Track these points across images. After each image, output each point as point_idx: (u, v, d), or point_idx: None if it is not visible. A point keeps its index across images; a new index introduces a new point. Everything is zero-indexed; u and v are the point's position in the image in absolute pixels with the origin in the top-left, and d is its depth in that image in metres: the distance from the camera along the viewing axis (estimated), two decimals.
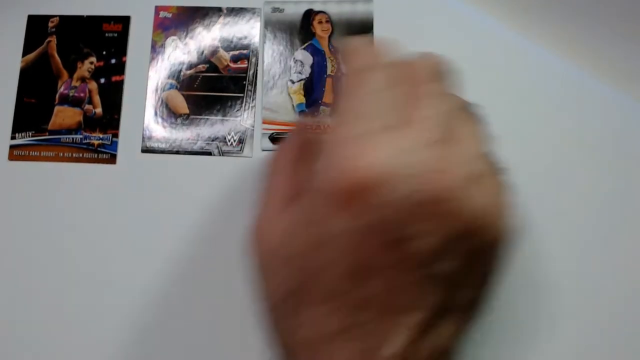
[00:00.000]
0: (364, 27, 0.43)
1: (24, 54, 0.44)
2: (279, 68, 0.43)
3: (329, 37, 0.43)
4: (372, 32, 0.43)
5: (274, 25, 0.44)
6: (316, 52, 0.43)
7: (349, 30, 0.43)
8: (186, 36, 0.44)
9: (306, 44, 0.44)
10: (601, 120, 0.42)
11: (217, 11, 0.44)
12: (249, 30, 0.44)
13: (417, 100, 0.26)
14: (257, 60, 0.44)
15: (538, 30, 0.43)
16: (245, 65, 0.43)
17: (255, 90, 0.43)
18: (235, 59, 0.44)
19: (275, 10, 0.44)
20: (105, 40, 0.44)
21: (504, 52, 0.43)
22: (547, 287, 0.40)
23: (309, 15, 0.44)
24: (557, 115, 0.42)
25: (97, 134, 0.43)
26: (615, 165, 0.41)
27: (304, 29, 0.44)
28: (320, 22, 0.43)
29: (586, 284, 0.40)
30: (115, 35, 0.44)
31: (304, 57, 0.43)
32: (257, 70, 0.43)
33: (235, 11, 0.44)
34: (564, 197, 0.41)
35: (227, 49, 0.44)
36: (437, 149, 0.24)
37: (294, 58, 0.43)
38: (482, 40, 0.43)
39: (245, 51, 0.44)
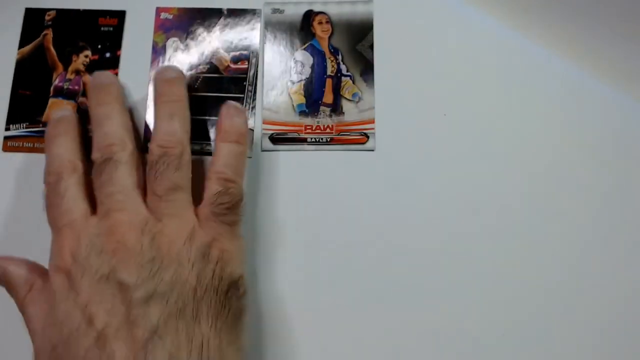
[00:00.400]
0: (364, 28, 0.43)
1: (20, 47, 0.45)
2: (279, 68, 0.43)
3: (329, 37, 0.43)
4: (372, 33, 0.43)
5: (274, 26, 0.44)
6: (316, 53, 0.43)
7: (349, 31, 0.43)
8: (187, 37, 0.44)
9: (306, 45, 0.44)
10: (601, 120, 0.42)
11: (218, 12, 0.44)
12: (249, 31, 0.44)
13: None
14: (257, 61, 0.44)
15: (538, 30, 0.43)
16: (246, 66, 0.43)
17: (255, 91, 0.43)
18: (235, 60, 0.44)
19: (275, 11, 0.44)
20: (100, 34, 0.45)
21: (504, 52, 0.43)
22: (547, 287, 0.40)
23: (309, 16, 0.44)
24: (557, 115, 0.42)
25: (91, 126, 0.42)
26: (615, 165, 0.41)
27: (304, 30, 0.44)
28: (320, 23, 0.43)
29: (586, 284, 0.40)
30: (111, 29, 0.45)
31: (304, 57, 0.43)
32: (257, 71, 0.43)
33: (235, 12, 0.44)
34: (564, 197, 0.41)
35: (228, 50, 0.44)
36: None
37: (294, 59, 0.43)
38: (482, 40, 0.43)
39: (245, 52, 0.44)
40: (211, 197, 0.36)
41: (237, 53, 0.44)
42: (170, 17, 0.45)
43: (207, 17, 0.44)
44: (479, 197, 0.41)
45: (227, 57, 0.44)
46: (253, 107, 0.43)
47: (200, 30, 0.44)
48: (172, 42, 0.44)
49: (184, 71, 0.44)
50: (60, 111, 0.41)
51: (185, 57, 0.44)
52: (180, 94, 0.40)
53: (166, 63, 0.44)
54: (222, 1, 0.45)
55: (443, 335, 0.39)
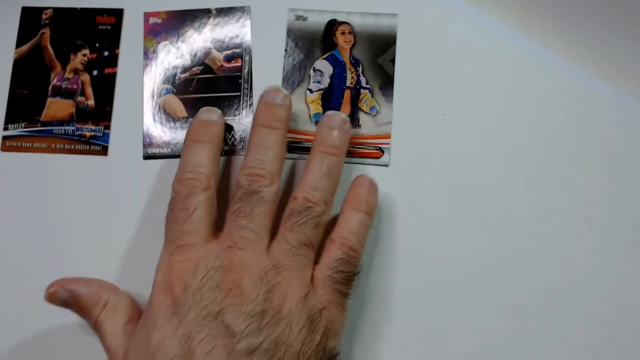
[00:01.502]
0: (386, 41, 0.42)
1: (17, 46, 0.44)
2: (298, 76, 0.42)
3: (351, 48, 0.42)
4: (395, 46, 0.42)
5: (296, 33, 0.42)
6: (337, 63, 0.42)
7: (372, 43, 0.42)
8: (178, 40, 0.43)
9: (327, 54, 0.42)
10: (602, 120, 0.41)
11: (207, 12, 0.43)
12: (240, 28, 0.43)
13: None
14: (250, 57, 0.42)
15: (538, 30, 0.42)
16: (240, 64, 0.42)
17: (251, 89, 0.42)
18: (228, 59, 0.42)
19: (298, 18, 0.42)
20: (98, 32, 0.44)
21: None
22: (547, 287, 0.39)
23: (332, 25, 0.42)
24: (557, 115, 0.42)
25: (89, 125, 0.42)
26: (615, 165, 0.41)
27: (326, 39, 0.42)
28: (343, 33, 0.42)
29: (587, 284, 0.39)
30: (109, 27, 0.44)
31: (324, 67, 0.42)
32: (251, 67, 0.42)
33: (224, 11, 0.43)
34: (565, 197, 0.40)
35: (220, 49, 0.43)
36: None
37: (313, 67, 0.42)
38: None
39: (238, 50, 0.42)
40: (332, 262, 0.35)
41: (230, 51, 0.43)
42: (159, 21, 0.43)
43: (196, 18, 0.43)
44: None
45: (220, 56, 0.43)
46: (250, 105, 0.41)
47: (190, 31, 0.43)
48: (164, 46, 0.43)
49: (177, 74, 0.42)
50: (209, 112, 0.39)
51: (178, 60, 0.43)
52: (341, 147, 0.38)
53: (159, 67, 0.43)
54: (210, 1, 0.44)
55: (449, 337, 0.38)
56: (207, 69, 0.42)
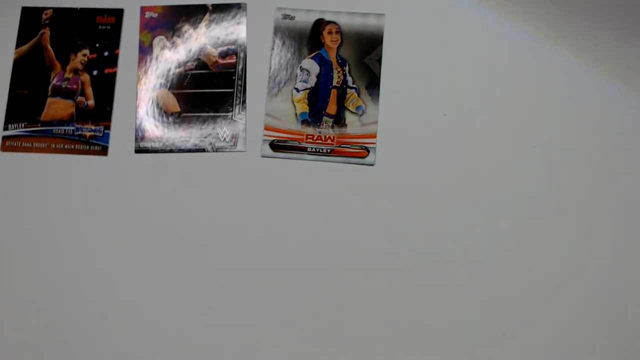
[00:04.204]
0: (373, 41, 0.42)
1: (17, 46, 0.44)
2: (285, 75, 0.42)
3: (338, 48, 0.42)
4: (381, 46, 0.42)
5: (283, 32, 0.43)
6: (323, 62, 0.42)
7: (358, 42, 0.43)
8: (173, 35, 0.44)
9: (314, 54, 0.43)
10: (603, 119, 0.42)
11: (203, 8, 0.44)
12: (235, 25, 0.43)
13: None
14: (245, 55, 0.43)
15: (537, 28, 0.42)
16: (234, 61, 0.43)
17: (245, 85, 0.42)
18: (223, 55, 0.43)
19: (286, 17, 0.43)
20: (98, 32, 0.44)
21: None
22: (546, 286, 0.39)
23: (319, 24, 0.43)
24: (561, 115, 0.42)
25: (89, 125, 0.43)
26: (615, 165, 0.41)
27: (313, 38, 0.43)
28: (330, 33, 0.42)
29: (586, 282, 0.39)
30: (109, 27, 0.44)
31: (311, 66, 0.42)
32: (245, 64, 0.43)
33: (220, 7, 0.44)
34: (564, 196, 0.40)
35: (215, 45, 0.43)
36: None
37: (300, 66, 0.42)
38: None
39: (233, 47, 0.43)
40: None
41: (225, 48, 0.43)
42: (155, 15, 0.44)
43: (193, 13, 0.44)
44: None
45: (215, 52, 0.43)
46: (244, 102, 0.42)
47: (186, 27, 0.44)
48: (159, 41, 0.44)
49: (172, 69, 0.43)
50: None
51: (173, 55, 0.43)
52: None
53: (154, 61, 0.43)
54: None
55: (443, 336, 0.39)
56: (201, 64, 0.43)
